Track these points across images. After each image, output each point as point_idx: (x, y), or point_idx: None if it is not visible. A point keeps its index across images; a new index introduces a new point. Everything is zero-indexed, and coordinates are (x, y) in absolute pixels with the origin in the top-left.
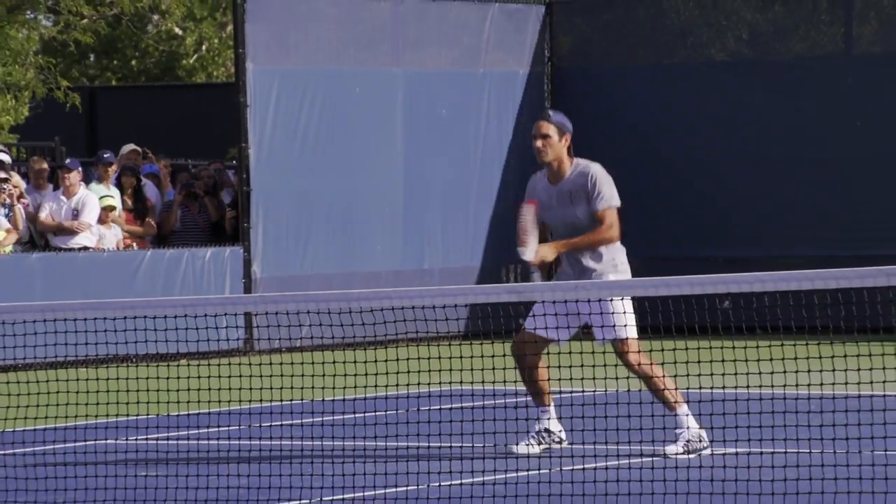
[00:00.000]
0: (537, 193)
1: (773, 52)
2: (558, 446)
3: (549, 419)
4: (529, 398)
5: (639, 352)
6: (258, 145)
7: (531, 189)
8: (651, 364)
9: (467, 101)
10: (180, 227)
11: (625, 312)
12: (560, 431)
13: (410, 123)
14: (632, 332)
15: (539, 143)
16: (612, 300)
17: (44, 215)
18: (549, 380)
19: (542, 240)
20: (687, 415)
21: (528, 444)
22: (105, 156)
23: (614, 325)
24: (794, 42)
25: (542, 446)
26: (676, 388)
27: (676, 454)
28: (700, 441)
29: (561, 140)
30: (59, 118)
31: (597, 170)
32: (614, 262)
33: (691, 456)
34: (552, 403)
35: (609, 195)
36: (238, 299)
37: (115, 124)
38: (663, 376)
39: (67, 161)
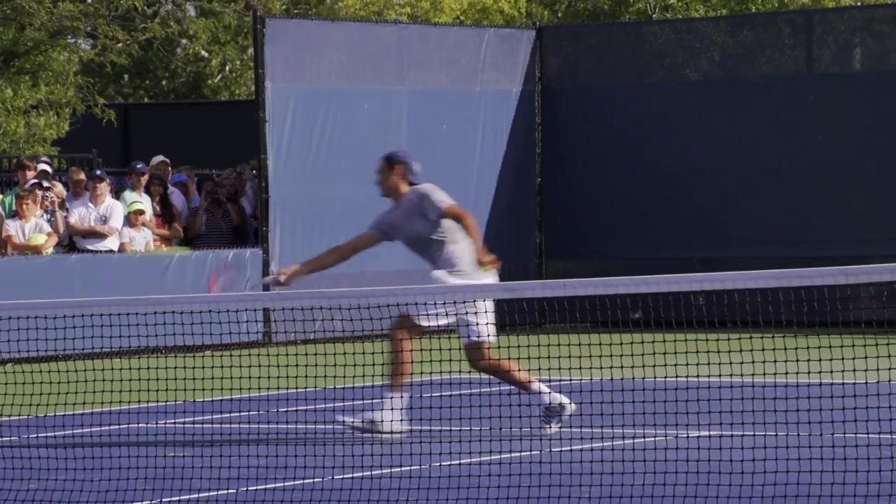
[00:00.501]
0: (389, 219)
1: (742, 72)
2: (573, 414)
3: (542, 395)
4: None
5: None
6: (276, 157)
7: (384, 216)
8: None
9: (465, 117)
10: (205, 231)
11: (486, 312)
12: (563, 400)
13: (414, 137)
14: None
15: (376, 179)
16: (474, 301)
17: (73, 220)
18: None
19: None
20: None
21: (541, 428)
22: (137, 166)
23: (476, 325)
24: (761, 63)
25: (558, 423)
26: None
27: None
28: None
29: (391, 171)
30: (96, 132)
31: (425, 187)
32: (457, 254)
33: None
34: (536, 381)
35: (439, 199)
36: (257, 296)
37: (146, 138)
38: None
39: (97, 172)
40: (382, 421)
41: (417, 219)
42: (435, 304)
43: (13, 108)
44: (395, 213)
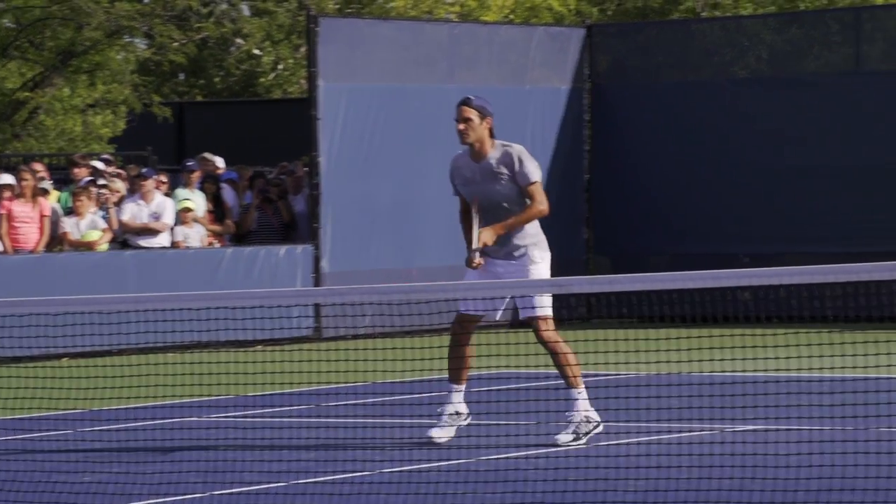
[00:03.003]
0: (461, 170)
1: (790, 70)
2: (465, 424)
3: (459, 402)
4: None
5: (551, 323)
6: (328, 154)
7: (454, 167)
8: (559, 342)
9: (515, 115)
10: (257, 228)
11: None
12: (467, 413)
13: None
14: (547, 310)
15: (461, 126)
16: (531, 268)
17: (126, 217)
18: (473, 357)
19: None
20: (578, 397)
21: (441, 428)
22: (189, 164)
23: (532, 298)
24: (809, 60)
25: (453, 428)
26: (579, 367)
27: (567, 443)
28: (588, 422)
29: (482, 123)
30: (152, 130)
31: (519, 149)
32: (536, 237)
33: (581, 441)
34: (465, 384)
35: (532, 170)
36: (308, 292)
37: (201, 136)
38: (568, 354)
39: (144, 170)
40: (591, 412)
41: (501, 180)
42: (484, 297)
43: (70, 106)
44: (474, 168)
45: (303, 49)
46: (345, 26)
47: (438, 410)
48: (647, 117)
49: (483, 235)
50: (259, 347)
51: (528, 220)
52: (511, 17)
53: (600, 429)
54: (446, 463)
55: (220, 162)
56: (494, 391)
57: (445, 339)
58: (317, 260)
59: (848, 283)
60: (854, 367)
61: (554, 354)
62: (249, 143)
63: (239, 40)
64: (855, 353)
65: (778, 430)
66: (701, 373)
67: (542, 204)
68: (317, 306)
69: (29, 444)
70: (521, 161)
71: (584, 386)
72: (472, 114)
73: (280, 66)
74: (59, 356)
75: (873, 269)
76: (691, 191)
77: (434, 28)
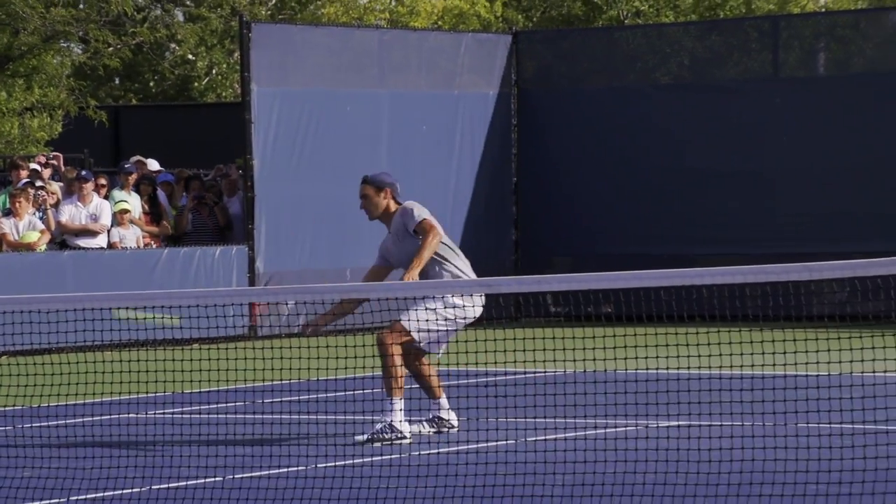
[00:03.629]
0: (385, 243)
1: (711, 76)
2: (453, 430)
3: (440, 409)
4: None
5: (397, 337)
6: (261, 157)
7: (382, 246)
8: (397, 354)
9: (444, 119)
10: (192, 229)
11: (426, 309)
12: (453, 419)
13: (395, 138)
14: (406, 323)
15: (362, 203)
16: (425, 298)
17: (64, 219)
18: (437, 376)
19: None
20: (393, 408)
21: (420, 425)
22: (126, 166)
23: (408, 311)
24: (729, 67)
25: (434, 430)
26: (402, 379)
27: (363, 442)
28: (392, 431)
29: (379, 195)
30: (88, 133)
31: (407, 204)
32: (455, 275)
33: (376, 443)
34: (443, 396)
35: (418, 214)
36: (243, 291)
37: (137, 139)
38: (401, 365)
39: (83, 172)
40: (398, 423)
41: (407, 238)
42: (427, 319)
43: (8, 109)
44: (388, 238)
45: (236, 54)
46: (277, 32)
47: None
48: (573, 122)
49: (408, 276)
50: (195, 346)
51: (428, 253)
52: (439, 23)
53: (405, 441)
54: (379, 458)
55: (154, 164)
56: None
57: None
58: (251, 260)
59: (767, 282)
60: (773, 365)
61: (383, 361)
62: (184, 147)
63: (173, 45)
64: (774, 351)
65: (700, 425)
66: (626, 370)
67: (431, 231)
68: (252, 305)
69: None
70: (408, 214)
71: (401, 398)
72: (369, 190)
73: (214, 71)
74: None
75: (791, 270)
76: (616, 193)
77: (364, 34)
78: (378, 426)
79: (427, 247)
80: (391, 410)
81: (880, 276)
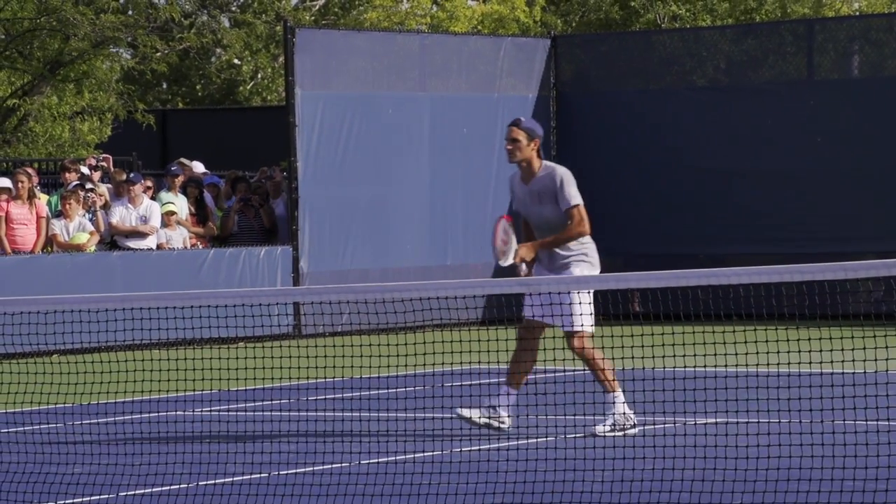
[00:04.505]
0: (514, 190)
1: (746, 79)
2: (503, 426)
3: (507, 404)
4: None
5: (585, 339)
6: (305, 159)
7: (511, 186)
8: (593, 349)
9: (484, 121)
10: (238, 230)
11: (580, 304)
12: (508, 417)
13: (435, 140)
14: (582, 323)
15: (508, 146)
16: (570, 293)
17: (115, 220)
18: (533, 363)
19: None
20: (615, 401)
21: (470, 409)
22: (172, 168)
23: (571, 315)
24: (764, 70)
25: (484, 420)
26: (614, 371)
27: (604, 433)
28: (626, 419)
29: (529, 144)
30: (136, 137)
31: (562, 172)
32: (584, 254)
33: (617, 434)
34: (517, 391)
35: (572, 194)
36: (288, 291)
37: (183, 141)
38: (603, 359)
39: (131, 175)
40: (628, 412)
41: (548, 203)
42: (546, 304)
43: (59, 114)
44: (524, 190)
45: (280, 59)
46: (321, 37)
47: (484, 398)
48: (610, 124)
49: (521, 251)
50: (241, 344)
51: (565, 242)
52: (479, 28)
53: (635, 430)
54: (420, 454)
55: (199, 167)
56: (467, 386)
57: (419, 336)
58: (296, 260)
59: (803, 281)
60: (809, 363)
61: (587, 365)
62: (230, 149)
63: (219, 50)
64: (810, 350)
65: (737, 422)
66: (664, 368)
67: (579, 226)
68: (296, 305)
69: (21, 437)
70: (562, 184)
71: (620, 390)
72: (520, 135)
73: (259, 75)
74: (49, 353)
75: (827, 269)
76: (652, 194)
77: (406, 39)
78: (613, 417)
79: (569, 236)
80: (613, 403)
81: None
